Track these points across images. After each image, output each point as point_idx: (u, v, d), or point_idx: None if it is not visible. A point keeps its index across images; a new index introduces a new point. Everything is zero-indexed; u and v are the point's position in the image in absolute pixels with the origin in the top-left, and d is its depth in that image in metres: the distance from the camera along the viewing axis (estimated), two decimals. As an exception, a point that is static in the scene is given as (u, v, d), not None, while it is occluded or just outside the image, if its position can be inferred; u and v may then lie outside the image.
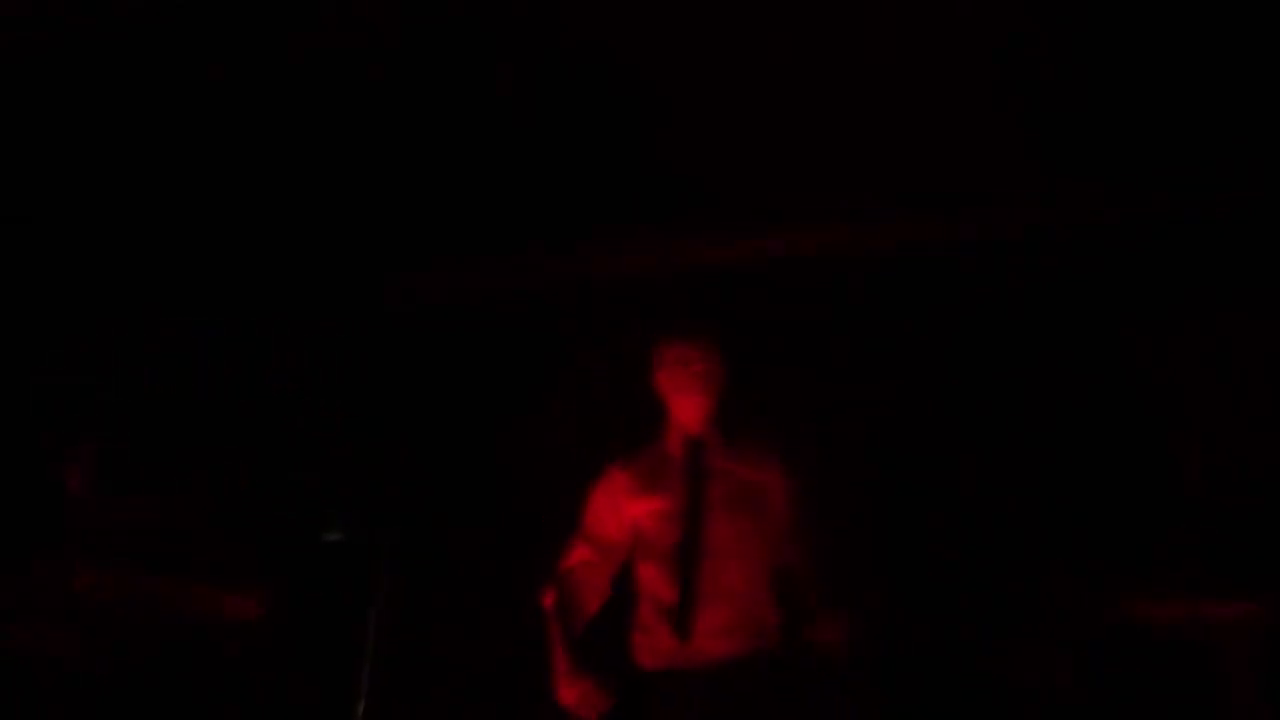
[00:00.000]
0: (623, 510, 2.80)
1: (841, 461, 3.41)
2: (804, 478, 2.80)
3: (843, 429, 3.55)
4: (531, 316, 4.02)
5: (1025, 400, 3.57)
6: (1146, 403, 3.50)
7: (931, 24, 2.94)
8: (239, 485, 3.80)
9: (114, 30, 2.84)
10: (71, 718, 2.97)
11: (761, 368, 3.29)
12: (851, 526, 3.26)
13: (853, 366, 3.68)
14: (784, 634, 2.64)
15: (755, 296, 3.80)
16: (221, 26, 2.87)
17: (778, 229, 3.83)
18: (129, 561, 3.14)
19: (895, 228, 3.76)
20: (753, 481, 2.74)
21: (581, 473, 3.34)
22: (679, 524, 2.67)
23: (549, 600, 2.78)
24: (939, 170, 3.58)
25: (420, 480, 3.99)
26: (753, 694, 2.52)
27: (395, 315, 4.08)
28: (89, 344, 3.87)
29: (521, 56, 3.05)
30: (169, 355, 3.92)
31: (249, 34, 2.91)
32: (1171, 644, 3.10)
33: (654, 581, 2.69)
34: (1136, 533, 3.31)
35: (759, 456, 2.79)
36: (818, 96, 3.23)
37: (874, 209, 3.74)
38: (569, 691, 2.58)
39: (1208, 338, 3.49)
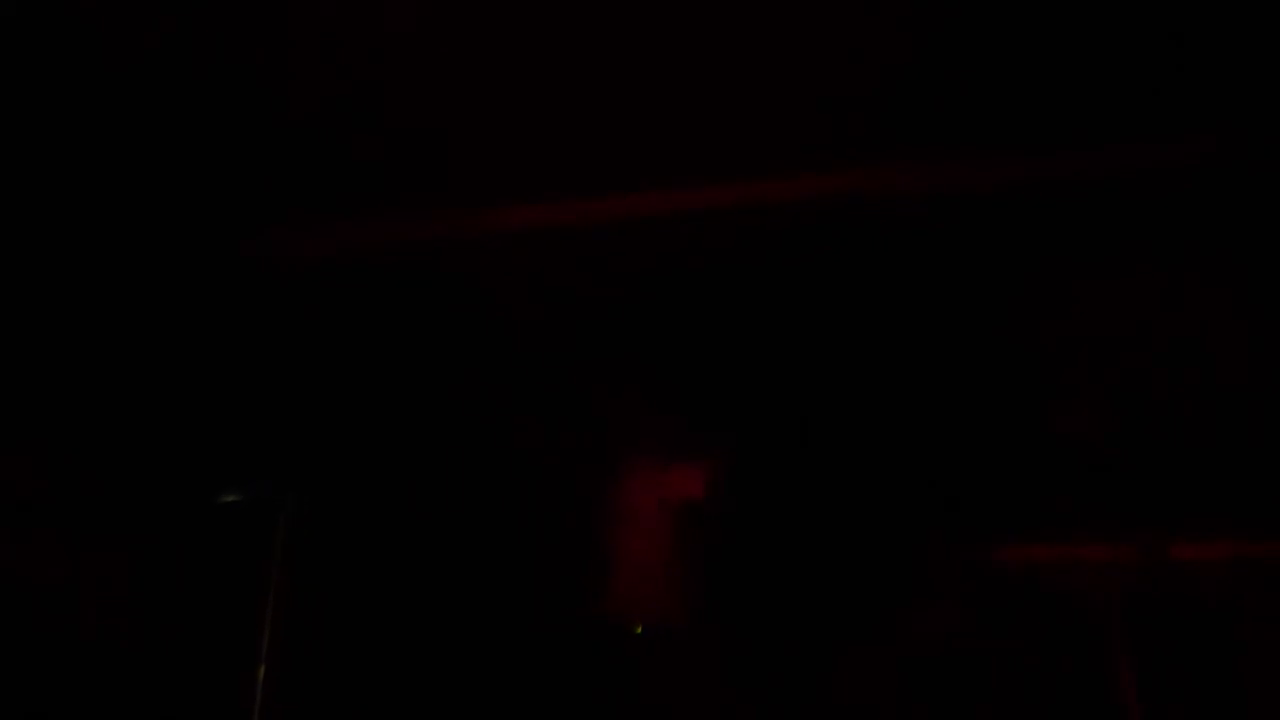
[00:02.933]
0: None
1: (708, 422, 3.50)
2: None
3: (707, 393, 3.59)
4: (442, 273, 3.89)
5: (893, 348, 3.55)
6: (1019, 345, 3.47)
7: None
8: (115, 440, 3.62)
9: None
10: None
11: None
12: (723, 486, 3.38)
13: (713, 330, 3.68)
14: None
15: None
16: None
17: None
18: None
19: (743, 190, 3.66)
20: None
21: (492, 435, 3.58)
22: None
23: None
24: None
25: (328, 438, 3.81)
26: None
27: (304, 265, 3.94)
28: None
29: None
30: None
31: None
32: (1045, 587, 3.14)
33: None
34: (1010, 475, 3.33)
35: None
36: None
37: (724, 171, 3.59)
38: None
39: (1082, 285, 3.43)
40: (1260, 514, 3.07)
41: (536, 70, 3.06)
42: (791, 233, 3.64)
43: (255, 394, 3.80)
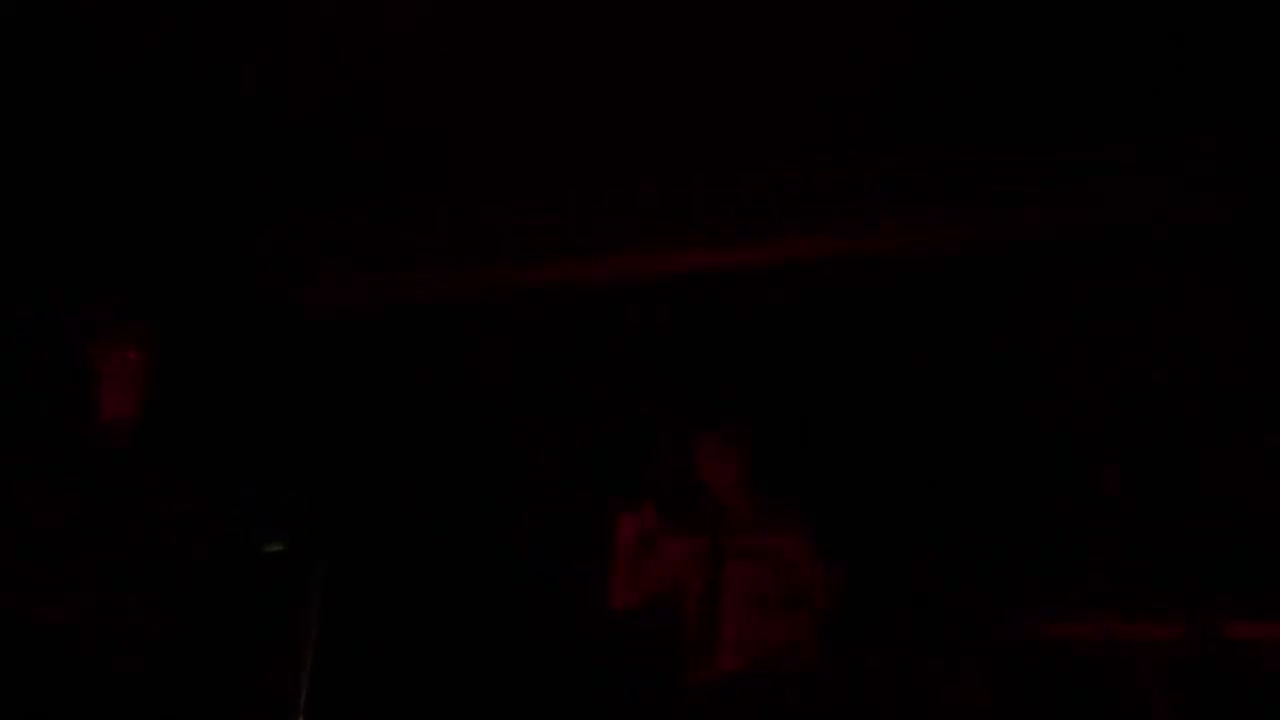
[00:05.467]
0: None
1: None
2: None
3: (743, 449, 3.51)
4: (473, 324, 3.96)
5: (930, 414, 3.51)
6: (1059, 410, 3.43)
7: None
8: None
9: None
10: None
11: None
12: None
13: (752, 385, 3.63)
14: None
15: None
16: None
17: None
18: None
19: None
20: None
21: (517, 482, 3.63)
22: None
23: None
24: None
25: (362, 491, 3.89)
26: None
27: (330, 322, 3.98)
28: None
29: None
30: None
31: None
32: (1089, 666, 3.00)
33: None
34: (1053, 547, 3.24)
35: None
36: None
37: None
38: None
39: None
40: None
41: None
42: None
43: (284, 427, 3.82)
